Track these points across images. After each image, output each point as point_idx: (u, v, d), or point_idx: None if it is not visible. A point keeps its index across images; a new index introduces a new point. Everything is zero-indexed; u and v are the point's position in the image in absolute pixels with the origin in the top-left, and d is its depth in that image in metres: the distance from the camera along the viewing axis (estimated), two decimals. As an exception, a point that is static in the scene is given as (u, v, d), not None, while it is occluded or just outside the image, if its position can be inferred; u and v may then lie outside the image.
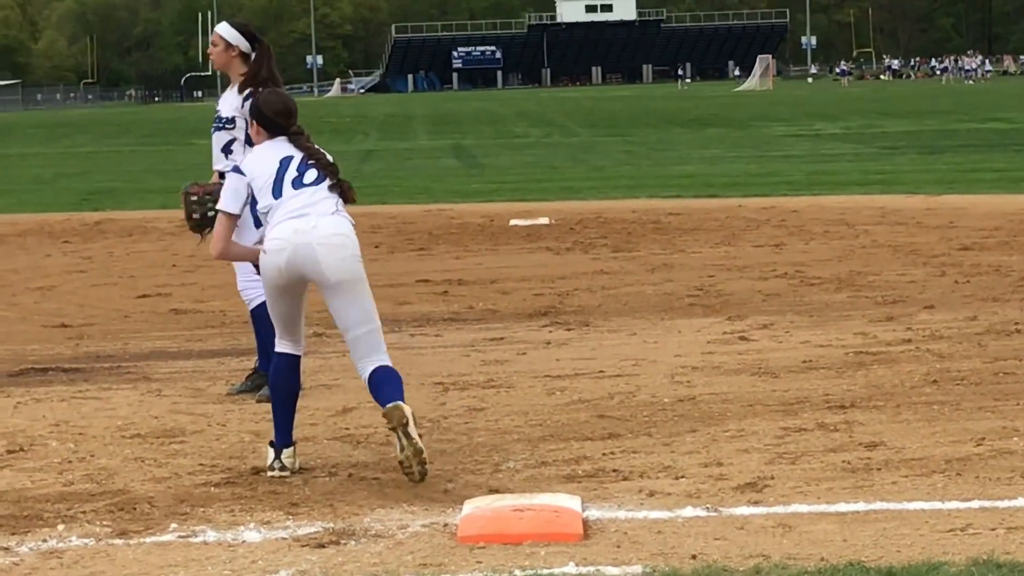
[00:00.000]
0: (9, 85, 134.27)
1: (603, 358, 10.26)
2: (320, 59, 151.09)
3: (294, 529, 6.44)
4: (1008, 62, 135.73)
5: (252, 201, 7.49)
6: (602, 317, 12.10)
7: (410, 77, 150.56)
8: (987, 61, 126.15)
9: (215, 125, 9.43)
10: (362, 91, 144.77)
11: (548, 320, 12.04)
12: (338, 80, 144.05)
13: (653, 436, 7.97)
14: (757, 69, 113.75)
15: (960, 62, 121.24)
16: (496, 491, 6.89)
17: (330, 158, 7.53)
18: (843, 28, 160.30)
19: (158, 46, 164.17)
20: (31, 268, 16.60)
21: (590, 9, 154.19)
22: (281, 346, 7.50)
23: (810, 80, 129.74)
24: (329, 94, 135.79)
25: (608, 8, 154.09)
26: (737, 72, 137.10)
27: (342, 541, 6.22)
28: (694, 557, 5.86)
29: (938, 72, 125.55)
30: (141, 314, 13.10)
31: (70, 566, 6.03)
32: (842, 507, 6.50)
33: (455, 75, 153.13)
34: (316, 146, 7.55)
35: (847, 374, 9.44)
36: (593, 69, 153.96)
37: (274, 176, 7.39)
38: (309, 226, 7.27)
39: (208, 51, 9.64)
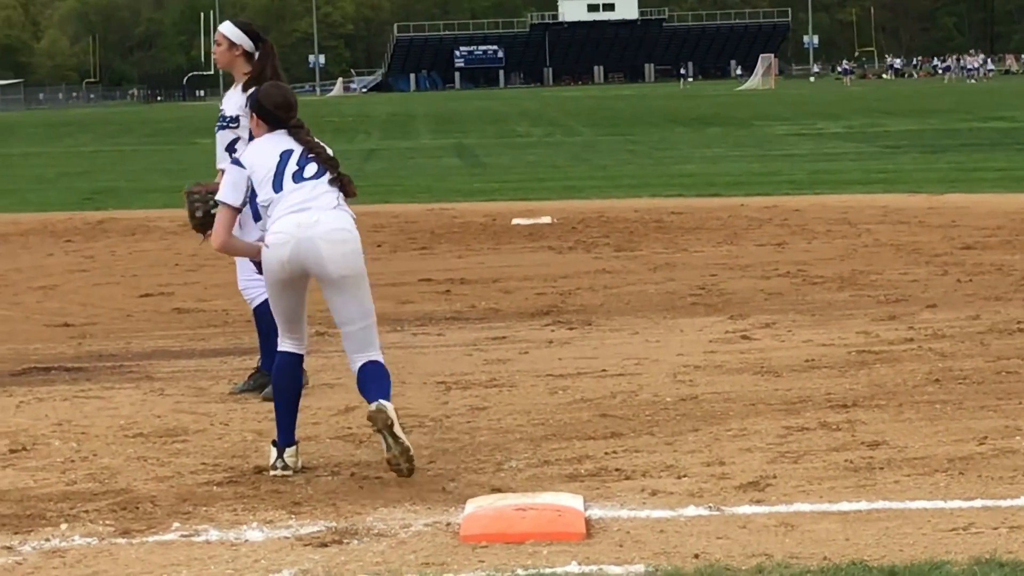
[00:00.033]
0: (11, 84, 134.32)
1: (605, 357, 10.26)
2: (322, 58, 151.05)
3: (297, 528, 6.44)
4: (1010, 61, 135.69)
5: (252, 194, 7.49)
6: (604, 316, 12.10)
7: (412, 76, 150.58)
8: (989, 60, 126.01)
9: (219, 124, 9.44)
10: (364, 90, 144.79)
11: (550, 319, 12.04)
12: (340, 79, 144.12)
13: (655, 435, 7.97)
14: (759, 68, 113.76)
15: (962, 61, 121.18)
16: (498, 490, 6.89)
17: (330, 152, 7.53)
18: (845, 27, 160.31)
19: (160, 46, 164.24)
20: (33, 267, 16.61)
21: (592, 8, 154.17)
22: (284, 345, 7.51)
23: (812, 79, 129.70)
24: (331, 93, 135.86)
25: (610, 7, 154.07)
26: (739, 71, 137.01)
27: (345, 540, 6.22)
28: (696, 556, 5.86)
29: (940, 71, 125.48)
30: (143, 313, 13.11)
31: (73, 565, 6.03)
32: (844, 506, 6.50)
33: (457, 74, 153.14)
34: (316, 139, 7.56)
35: (849, 373, 9.44)
36: (595, 68, 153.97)
37: (274, 170, 7.39)
38: (312, 220, 7.27)
39: (212, 50, 9.66)
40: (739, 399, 8.78)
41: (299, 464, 7.42)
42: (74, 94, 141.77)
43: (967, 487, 6.76)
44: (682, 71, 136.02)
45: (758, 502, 6.62)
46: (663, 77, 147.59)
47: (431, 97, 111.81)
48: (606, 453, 7.59)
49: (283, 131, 7.53)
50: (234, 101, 9.35)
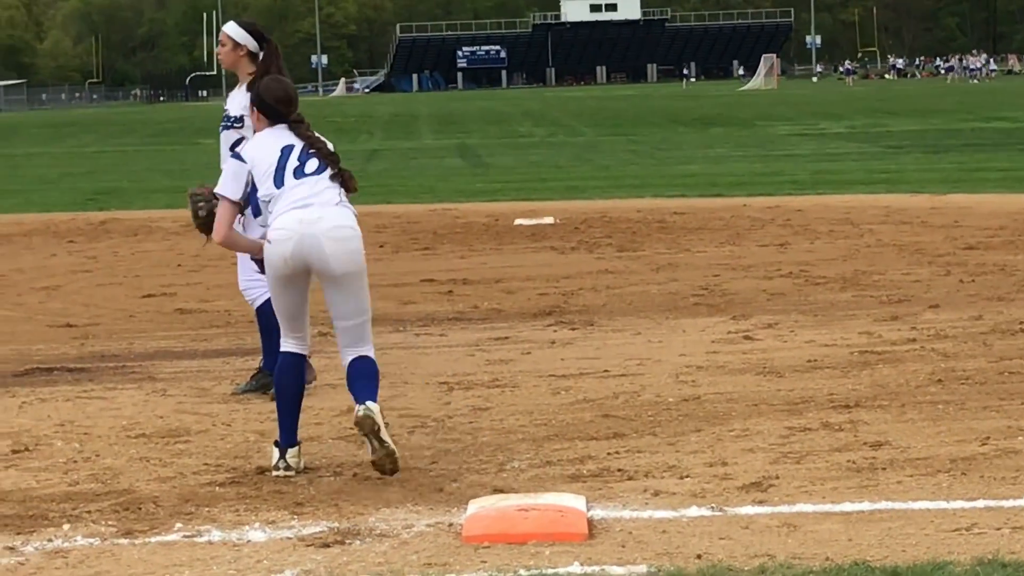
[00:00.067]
0: (14, 85, 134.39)
1: (608, 357, 10.26)
2: (325, 59, 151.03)
3: (299, 529, 6.44)
4: (1013, 61, 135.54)
5: (252, 188, 7.49)
6: (607, 316, 12.10)
7: (415, 77, 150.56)
8: (992, 60, 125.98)
9: (223, 124, 9.45)
10: (367, 91, 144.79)
11: (553, 319, 12.04)
12: (343, 80, 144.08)
13: (658, 436, 7.97)
14: (762, 68, 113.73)
15: (965, 61, 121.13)
16: (501, 491, 6.89)
17: (331, 146, 7.53)
18: (848, 27, 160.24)
19: (163, 46, 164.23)
20: (36, 268, 16.62)
21: (595, 8, 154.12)
22: (286, 345, 7.51)
23: (815, 79, 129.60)
24: (334, 94, 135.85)
25: (613, 7, 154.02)
26: (741, 71, 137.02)
27: (347, 541, 6.23)
28: (699, 557, 5.86)
29: (943, 71, 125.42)
30: (146, 314, 13.11)
31: (75, 566, 6.04)
32: (847, 507, 6.50)
33: (460, 75, 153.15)
34: (316, 134, 7.56)
35: (852, 373, 9.44)
36: (598, 68, 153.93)
37: (275, 165, 7.39)
38: (315, 217, 7.27)
39: (216, 51, 9.66)
40: (741, 399, 8.78)
41: (301, 465, 7.42)
42: (77, 94, 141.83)
43: (970, 487, 6.76)
44: (684, 71, 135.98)
45: (760, 502, 6.62)
46: (665, 77, 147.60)
47: (434, 97, 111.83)
48: (608, 453, 7.59)
49: (283, 126, 7.53)
50: (238, 101, 9.35)
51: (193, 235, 10.95)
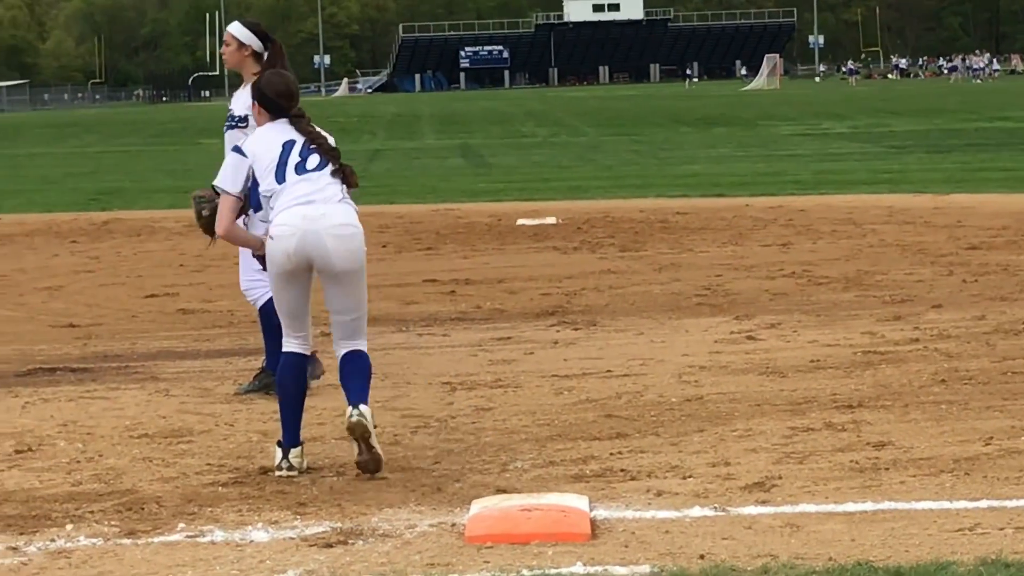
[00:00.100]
0: (17, 85, 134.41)
1: (610, 358, 10.26)
2: (327, 59, 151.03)
3: (302, 529, 6.44)
4: (1016, 61, 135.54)
5: (253, 183, 7.49)
6: (609, 317, 12.10)
7: (417, 77, 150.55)
8: (995, 60, 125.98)
9: (228, 124, 9.44)
10: (369, 91, 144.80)
11: (555, 320, 12.04)
12: (345, 80, 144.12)
13: (661, 436, 7.96)
14: (764, 68, 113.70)
15: (968, 61, 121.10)
16: (504, 491, 6.89)
17: (332, 142, 7.53)
18: (850, 27, 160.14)
19: (166, 46, 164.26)
20: (39, 268, 16.62)
21: (597, 8, 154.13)
22: (288, 345, 7.51)
23: (817, 79, 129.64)
24: (336, 94, 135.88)
25: (615, 7, 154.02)
26: (744, 71, 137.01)
27: (350, 541, 6.22)
28: (702, 557, 5.86)
29: (946, 71, 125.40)
30: (149, 314, 13.11)
31: (78, 566, 6.04)
32: (850, 507, 6.49)
33: (462, 75, 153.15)
34: (318, 129, 7.55)
35: (855, 373, 9.44)
36: (600, 68, 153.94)
37: (277, 160, 7.39)
38: (318, 214, 7.28)
39: (221, 51, 9.66)
40: (744, 400, 8.78)
41: (304, 465, 7.42)
42: (79, 95, 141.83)
43: (973, 487, 6.75)
44: (687, 71, 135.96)
45: (763, 503, 6.62)
46: (668, 77, 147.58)
47: (436, 97, 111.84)
48: (611, 454, 7.59)
49: (284, 120, 7.52)
50: (243, 101, 9.33)
51: (196, 235, 10.96)
